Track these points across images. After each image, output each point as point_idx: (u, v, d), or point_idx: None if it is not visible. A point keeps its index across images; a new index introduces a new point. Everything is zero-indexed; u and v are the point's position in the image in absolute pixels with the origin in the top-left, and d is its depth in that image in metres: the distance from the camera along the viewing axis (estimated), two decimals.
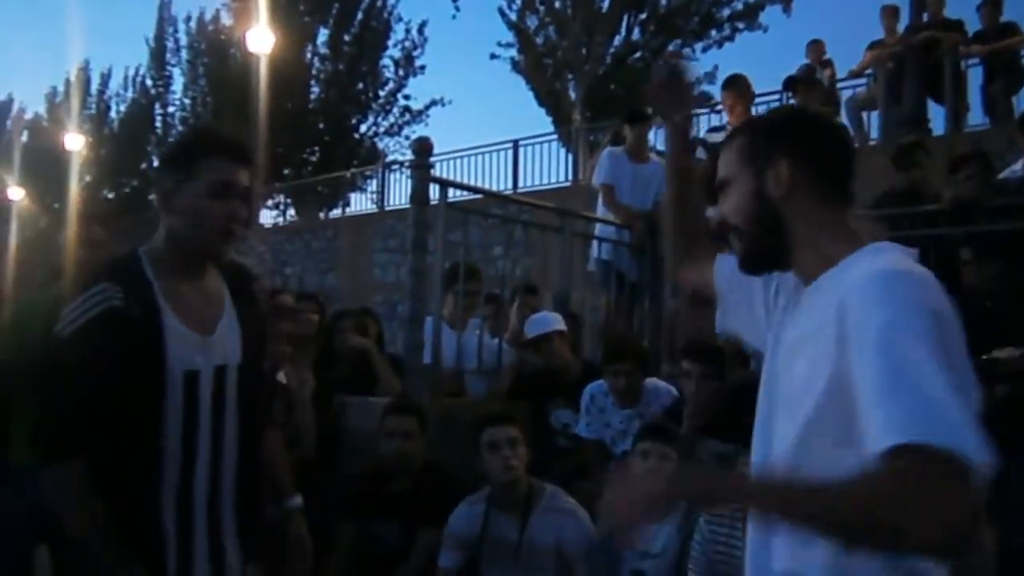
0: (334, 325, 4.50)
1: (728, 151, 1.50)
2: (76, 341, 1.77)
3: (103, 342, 1.76)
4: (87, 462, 1.77)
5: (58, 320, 1.81)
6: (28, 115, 32.28)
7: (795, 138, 1.44)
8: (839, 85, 9.59)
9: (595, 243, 5.95)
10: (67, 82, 28.66)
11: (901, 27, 8.90)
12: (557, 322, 4.58)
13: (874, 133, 9.38)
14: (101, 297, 1.79)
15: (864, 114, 9.38)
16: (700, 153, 5.97)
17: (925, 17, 8.78)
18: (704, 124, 9.56)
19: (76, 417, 1.78)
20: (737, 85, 5.81)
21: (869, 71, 9.31)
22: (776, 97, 10.21)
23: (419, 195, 4.43)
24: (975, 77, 8.85)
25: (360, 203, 18.41)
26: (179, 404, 1.84)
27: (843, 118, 8.94)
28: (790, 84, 5.96)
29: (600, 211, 5.96)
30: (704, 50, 16.50)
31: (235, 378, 1.95)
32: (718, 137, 5.81)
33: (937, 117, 8.77)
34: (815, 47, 9.41)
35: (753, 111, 6.14)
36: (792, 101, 7.15)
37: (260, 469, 2.06)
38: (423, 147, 4.54)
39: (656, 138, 8.20)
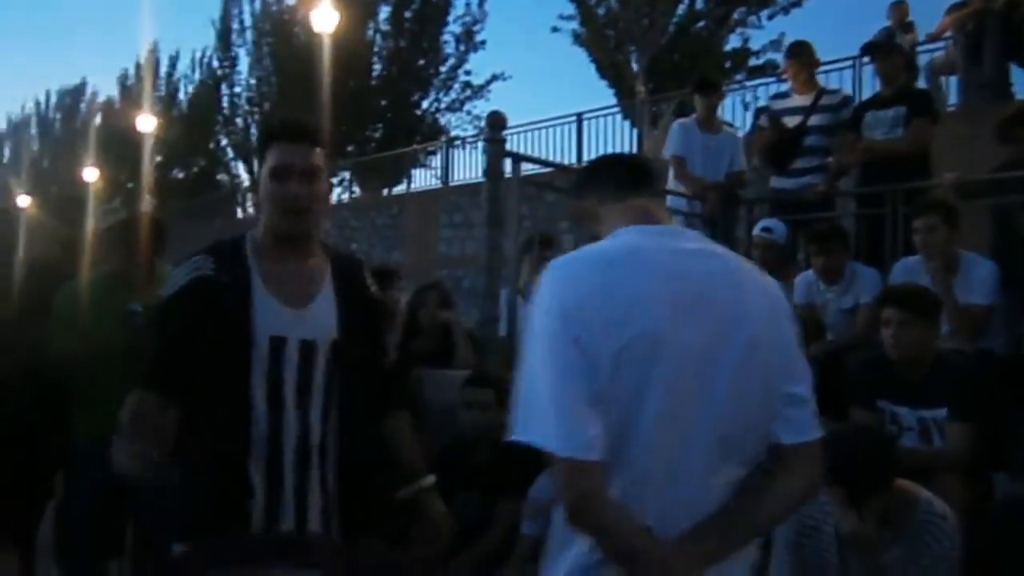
0: (417, 299, 4.56)
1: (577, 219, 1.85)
2: (168, 305, 2.00)
3: (188, 306, 1.95)
4: (175, 405, 1.92)
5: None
6: (101, 98, 33.23)
7: (581, 183, 1.73)
8: (919, 49, 9.28)
9: None
10: (137, 65, 29.42)
11: None
12: None
13: (952, 98, 9.07)
14: (193, 267, 1.99)
15: (943, 79, 9.07)
16: (763, 121, 5.87)
17: None
18: (769, 92, 9.40)
19: (160, 362, 1.97)
20: (800, 54, 5.69)
21: (948, 34, 8.99)
22: (850, 63, 9.96)
23: (493, 169, 4.44)
24: None
25: (423, 179, 18.54)
26: (265, 368, 1.95)
27: (922, 82, 8.65)
28: (868, 49, 5.77)
29: (671, 183, 5.90)
30: (770, 17, 16.06)
31: (327, 354, 2.02)
32: (781, 104, 5.72)
33: (1019, 81, 8.45)
34: (898, 9, 9.11)
35: (820, 79, 6.01)
36: (871, 66, 6.96)
37: (365, 449, 2.13)
38: (496, 121, 4.54)
39: (723, 109, 8.07)
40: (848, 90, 8.52)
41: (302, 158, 2.02)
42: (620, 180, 1.66)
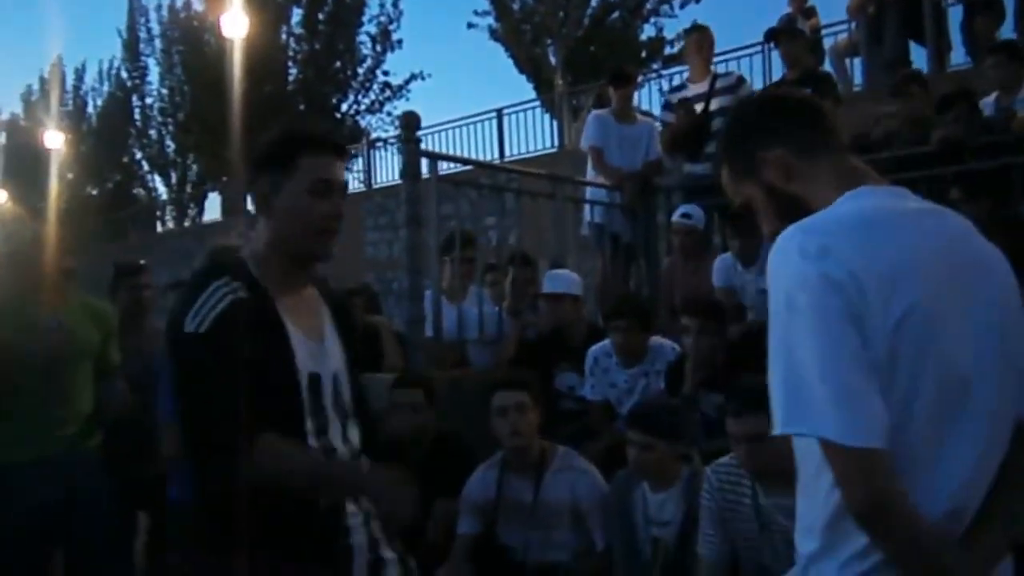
0: None
1: (727, 179, 1.52)
2: (213, 335, 1.72)
3: (238, 333, 1.71)
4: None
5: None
6: (4, 115, 31.97)
7: (762, 126, 1.46)
8: (822, 32, 9.56)
9: (587, 207, 5.97)
10: (42, 80, 28.38)
11: None
12: (575, 286, 4.61)
13: (858, 79, 9.37)
14: (227, 290, 1.75)
15: (847, 61, 9.36)
16: (665, 116, 5.99)
17: None
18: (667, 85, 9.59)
19: (233, 409, 1.67)
20: (701, 28, 5.91)
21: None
22: (758, 49, 10.22)
23: (410, 170, 4.44)
24: (955, 16, 8.82)
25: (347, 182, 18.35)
26: (309, 408, 1.81)
27: (827, 66, 8.92)
28: (772, 36, 5.94)
29: (590, 175, 5.97)
30: (682, 6, 16.37)
31: (348, 387, 1.93)
32: (679, 95, 5.83)
33: (919, 59, 8.76)
34: None
35: (732, 66, 6.16)
36: (774, 52, 7.16)
37: None
38: (410, 121, 4.54)
39: (640, 99, 8.20)
40: (755, 75, 8.75)
41: (340, 172, 1.90)
42: (816, 127, 1.43)
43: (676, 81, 7.15)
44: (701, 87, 5.69)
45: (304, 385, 1.80)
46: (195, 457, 1.82)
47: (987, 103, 4.90)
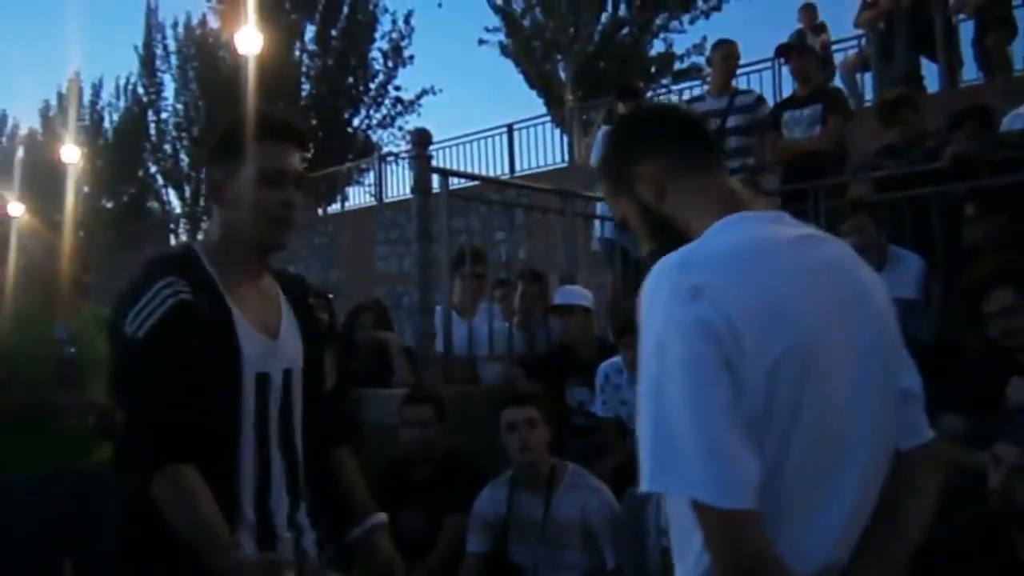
0: (353, 320, 4.54)
1: (606, 193, 1.48)
2: (154, 341, 1.64)
3: (181, 338, 1.64)
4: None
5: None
6: (23, 130, 32.29)
7: (638, 141, 1.40)
8: (833, 48, 9.56)
9: (597, 222, 5.97)
10: (59, 95, 28.67)
11: None
12: (585, 299, 4.61)
13: (868, 94, 9.37)
14: (170, 291, 1.66)
15: (858, 76, 9.36)
16: None
17: None
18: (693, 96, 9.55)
19: (171, 421, 1.63)
20: (728, 44, 5.87)
21: (860, 32, 9.29)
22: (768, 64, 10.24)
23: (421, 185, 4.45)
24: (967, 32, 8.82)
25: (358, 197, 18.41)
26: (252, 407, 1.75)
27: (837, 81, 8.92)
28: (782, 51, 5.94)
29: (600, 190, 5.97)
30: (692, 22, 16.38)
31: (300, 383, 1.88)
32: (697, 108, 5.80)
33: (931, 75, 8.76)
34: (807, 12, 9.38)
35: (741, 81, 6.17)
36: (785, 68, 7.15)
37: (332, 479, 1.99)
38: (422, 138, 4.56)
39: None
40: (765, 91, 8.75)
41: (295, 161, 1.81)
42: (695, 145, 1.36)
43: (687, 96, 7.19)
44: (719, 103, 5.69)
45: (250, 386, 1.74)
46: (116, 465, 1.78)
47: (1020, 115, 4.83)
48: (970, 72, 8.78)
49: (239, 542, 1.69)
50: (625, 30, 16.76)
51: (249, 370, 1.74)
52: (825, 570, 1.20)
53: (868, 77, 9.28)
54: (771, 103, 6.18)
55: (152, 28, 23.37)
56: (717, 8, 16.10)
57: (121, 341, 1.69)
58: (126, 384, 1.74)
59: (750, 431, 1.13)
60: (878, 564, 1.25)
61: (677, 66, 16.53)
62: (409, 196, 14.31)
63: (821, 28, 9.33)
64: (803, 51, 5.72)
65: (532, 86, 16.97)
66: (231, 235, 1.81)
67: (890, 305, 1.32)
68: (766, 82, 10.30)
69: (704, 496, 1.11)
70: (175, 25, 22.66)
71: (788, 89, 8.92)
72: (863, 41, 9.30)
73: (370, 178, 17.78)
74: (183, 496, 1.61)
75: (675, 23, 16.52)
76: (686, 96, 11.57)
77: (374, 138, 20.75)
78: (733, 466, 1.11)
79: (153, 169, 24.83)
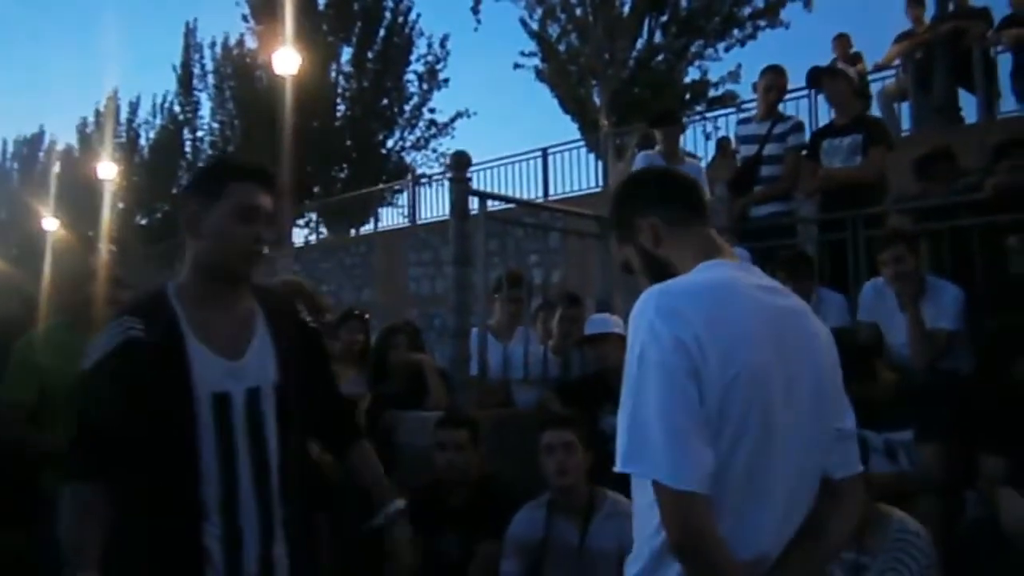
0: (387, 341, 4.54)
1: (613, 239, 1.76)
2: (95, 373, 1.88)
3: (121, 372, 1.85)
4: (112, 485, 1.85)
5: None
6: (60, 146, 32.91)
7: (642, 196, 1.69)
8: (870, 77, 9.51)
9: None
10: (97, 112, 29.27)
11: (927, 16, 8.83)
12: (617, 326, 4.59)
13: (905, 124, 9.30)
14: (119, 330, 1.89)
15: (896, 105, 9.30)
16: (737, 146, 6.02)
17: (951, 7, 8.70)
18: (729, 123, 9.55)
19: (92, 442, 1.87)
20: (778, 69, 5.89)
21: (897, 62, 9.24)
22: (805, 93, 10.19)
23: (459, 208, 4.46)
24: (1004, 64, 8.74)
25: (391, 218, 18.54)
26: (211, 426, 1.89)
27: (875, 110, 8.85)
28: (813, 77, 5.86)
29: None
30: (727, 49, 16.38)
31: (273, 399, 1.98)
32: (744, 130, 5.94)
33: (968, 106, 8.68)
34: (840, 42, 9.32)
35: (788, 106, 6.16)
36: (819, 95, 7.10)
37: (310, 485, 2.13)
38: (461, 161, 4.57)
39: (685, 141, 8.21)
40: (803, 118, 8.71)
41: (268, 202, 2.01)
42: (686, 203, 1.66)
43: (722, 124, 7.17)
44: (761, 128, 5.70)
45: (206, 406, 1.88)
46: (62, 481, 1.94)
47: None
48: (1008, 104, 8.71)
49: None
50: (660, 57, 16.81)
51: (203, 390, 1.89)
52: (757, 560, 1.43)
53: (906, 107, 9.23)
54: (809, 133, 6.14)
55: (190, 47, 23.85)
56: (752, 36, 16.10)
57: (80, 375, 1.94)
58: (76, 410, 1.96)
59: (708, 430, 1.38)
60: (801, 566, 1.49)
61: (711, 93, 16.55)
62: (441, 218, 14.45)
63: (856, 58, 9.26)
64: (835, 73, 5.65)
65: (567, 111, 17.04)
66: (200, 266, 2.00)
67: (834, 353, 1.60)
68: (802, 110, 10.23)
69: (663, 478, 1.36)
70: (213, 45, 23.14)
71: (824, 118, 8.88)
72: (900, 71, 9.25)
73: (403, 199, 17.90)
74: (71, 513, 1.85)
75: (710, 51, 16.56)
76: (720, 123, 11.59)
77: (407, 160, 20.94)
78: (691, 455, 1.36)
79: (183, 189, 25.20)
